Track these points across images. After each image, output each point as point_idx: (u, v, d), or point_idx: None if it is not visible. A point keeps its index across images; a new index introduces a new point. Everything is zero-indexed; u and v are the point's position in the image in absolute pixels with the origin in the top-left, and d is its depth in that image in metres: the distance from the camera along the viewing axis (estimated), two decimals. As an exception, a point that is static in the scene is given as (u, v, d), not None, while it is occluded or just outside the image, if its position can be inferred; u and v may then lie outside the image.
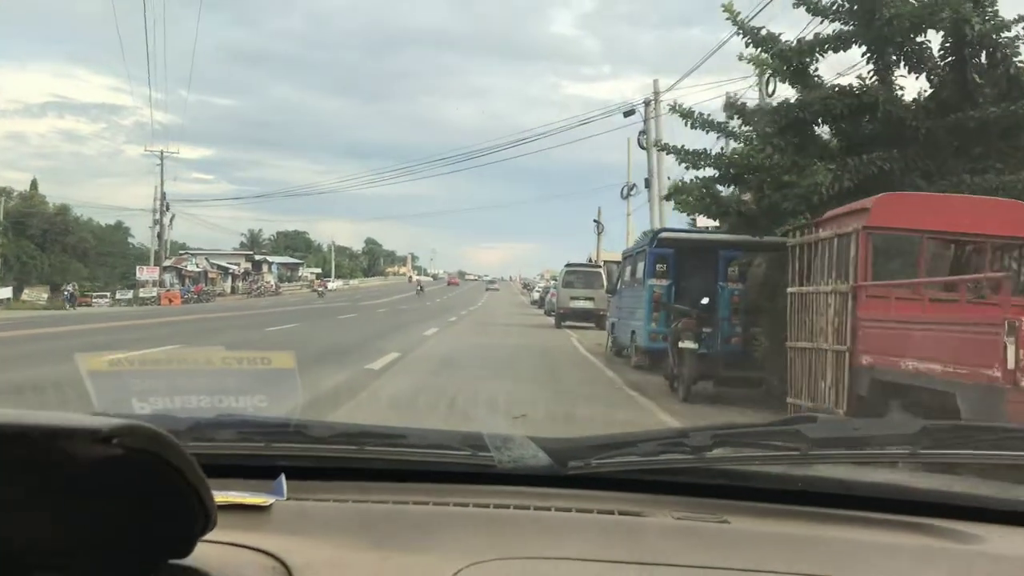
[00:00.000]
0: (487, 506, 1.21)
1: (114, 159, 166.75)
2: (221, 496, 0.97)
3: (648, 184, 25.63)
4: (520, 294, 78.49)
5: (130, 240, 64.45)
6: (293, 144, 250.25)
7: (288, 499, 1.18)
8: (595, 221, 47.49)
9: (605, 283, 22.98)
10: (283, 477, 1.23)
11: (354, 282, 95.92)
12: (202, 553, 0.85)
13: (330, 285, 73.52)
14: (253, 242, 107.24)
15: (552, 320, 29.76)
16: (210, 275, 63.14)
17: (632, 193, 41.73)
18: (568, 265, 29.61)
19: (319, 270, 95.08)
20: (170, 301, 47.87)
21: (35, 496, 0.73)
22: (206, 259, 65.77)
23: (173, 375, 1.77)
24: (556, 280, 52.03)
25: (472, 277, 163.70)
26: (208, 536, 0.82)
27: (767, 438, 1.33)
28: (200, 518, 0.77)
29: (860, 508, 1.22)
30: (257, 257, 77.57)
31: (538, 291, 51.14)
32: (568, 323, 27.06)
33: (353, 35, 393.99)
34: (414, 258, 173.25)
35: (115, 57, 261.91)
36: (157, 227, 53.87)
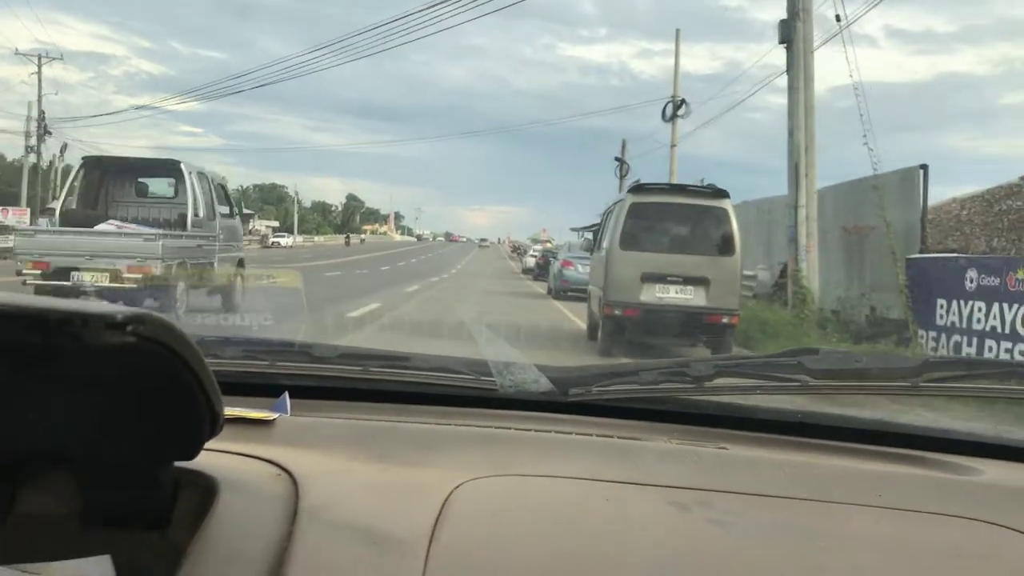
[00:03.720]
0: (488, 427, 1.22)
1: (102, 109, 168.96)
2: (226, 410, 0.94)
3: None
4: (508, 258, 66.72)
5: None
6: (284, 99, 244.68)
7: (291, 416, 1.19)
8: (617, 159, 34.09)
9: (736, 242, 9.94)
10: (287, 395, 1.24)
11: (318, 239, 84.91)
12: (208, 459, 0.86)
13: (284, 241, 64.52)
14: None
15: (563, 310, 17.33)
16: None
17: (682, 113, 28.63)
18: (639, 189, 10.40)
19: (276, 223, 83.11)
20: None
21: (47, 386, 0.72)
22: None
23: (178, 291, 0.92)
24: (553, 247, 39.14)
25: (461, 239, 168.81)
26: (214, 445, 0.83)
27: (769, 369, 1.33)
28: (207, 420, 0.76)
29: (857, 441, 1.23)
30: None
31: (533, 256, 37.82)
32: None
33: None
34: (399, 217, 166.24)
35: (103, 5, 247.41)
36: (32, 155, 40.24)
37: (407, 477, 0.99)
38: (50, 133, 41.99)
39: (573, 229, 54.21)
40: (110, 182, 11.98)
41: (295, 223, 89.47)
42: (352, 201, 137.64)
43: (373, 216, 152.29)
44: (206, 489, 0.86)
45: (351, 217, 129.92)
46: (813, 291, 12.38)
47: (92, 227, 10.36)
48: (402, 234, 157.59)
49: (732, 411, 1.30)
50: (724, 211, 9.77)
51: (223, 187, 12.81)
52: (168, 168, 11.83)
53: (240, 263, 12.38)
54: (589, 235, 18.37)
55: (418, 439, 1.15)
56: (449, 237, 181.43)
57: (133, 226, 10.57)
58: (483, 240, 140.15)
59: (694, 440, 1.20)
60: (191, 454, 0.81)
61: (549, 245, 46.82)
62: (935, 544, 0.91)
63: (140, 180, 12.28)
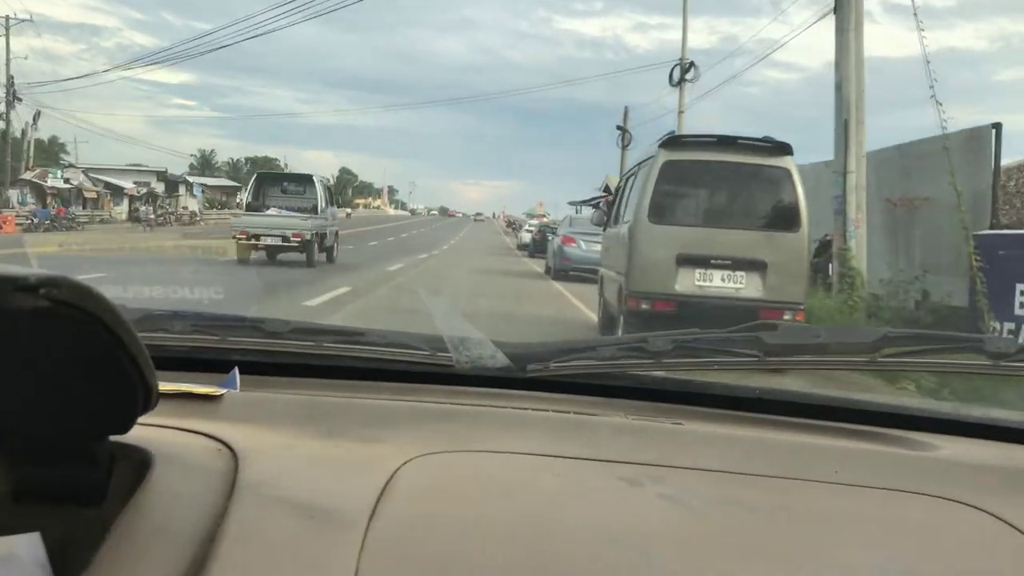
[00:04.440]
0: (442, 403, 1.20)
1: (93, 80, 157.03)
2: (171, 385, 0.97)
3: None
4: (503, 233, 64.65)
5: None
6: (277, 72, 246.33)
7: (240, 391, 1.17)
8: (619, 128, 32.12)
9: (803, 213, 7.42)
10: (236, 370, 1.22)
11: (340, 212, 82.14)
12: (146, 434, 0.85)
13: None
14: (204, 164, 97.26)
15: (562, 289, 15.54)
16: (86, 193, 46.86)
17: (690, 78, 26.68)
18: (674, 142, 7.93)
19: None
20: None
21: None
22: (84, 173, 49.12)
23: (125, 263, 0.95)
24: (551, 222, 37.26)
25: (457, 214, 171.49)
26: (154, 420, 0.82)
27: (727, 344, 1.30)
28: (140, 393, 0.73)
29: (815, 417, 1.23)
30: (171, 176, 61.01)
31: (529, 231, 35.94)
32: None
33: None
34: (392, 191, 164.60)
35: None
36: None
37: (355, 453, 0.97)
38: (20, 99, 39.84)
39: (571, 203, 52.29)
40: (267, 186, 19.69)
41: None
42: (345, 174, 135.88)
43: (367, 190, 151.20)
44: (141, 463, 0.84)
45: (343, 191, 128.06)
46: (863, 273, 10.44)
47: (263, 212, 17.84)
48: (396, 208, 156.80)
49: (689, 387, 1.30)
50: (786, 172, 7.35)
51: (329, 188, 20.53)
52: (303, 178, 19.83)
53: (336, 234, 19.34)
54: (590, 209, 16.53)
55: (371, 415, 1.13)
56: (445, 212, 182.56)
57: (285, 211, 17.64)
58: (478, 214, 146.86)
59: (651, 416, 1.19)
60: (124, 428, 0.78)
61: (546, 220, 44.98)
62: (892, 520, 0.90)
63: (285, 184, 19.82)
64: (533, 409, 1.19)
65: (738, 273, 7.24)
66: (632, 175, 8.54)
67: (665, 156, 7.43)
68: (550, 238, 22.53)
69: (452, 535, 0.78)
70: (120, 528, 0.72)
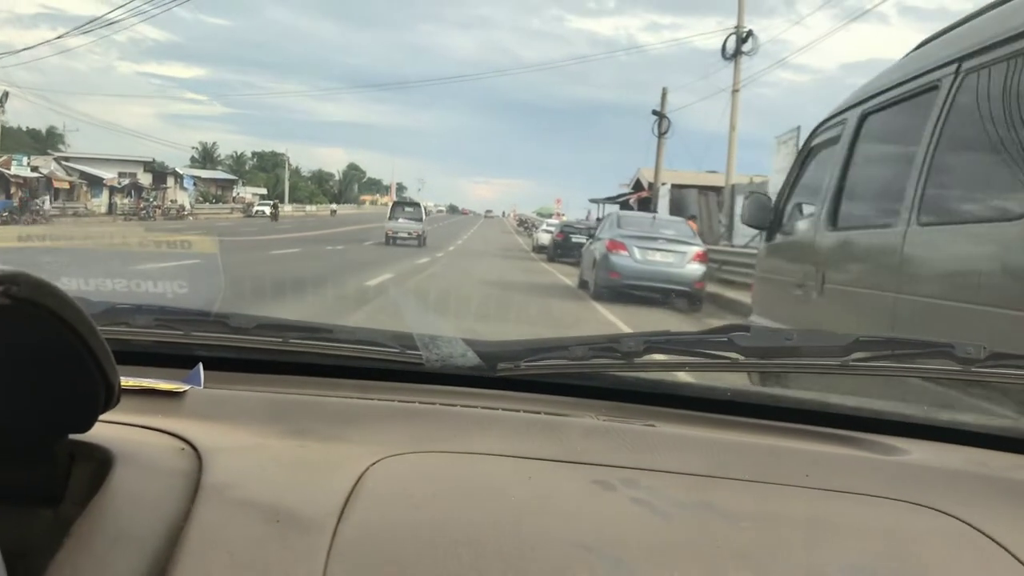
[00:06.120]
0: (412, 403, 1.16)
1: (107, 75, 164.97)
2: (133, 381, 0.94)
3: None
4: (515, 233, 60.09)
5: None
6: (288, 68, 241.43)
7: (205, 388, 1.13)
8: (655, 113, 27.41)
9: None
10: (200, 366, 1.18)
11: (311, 208, 78.67)
12: (106, 432, 0.83)
13: (268, 210, 57.88)
14: (206, 157, 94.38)
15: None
16: (56, 183, 41.90)
17: (747, 49, 22.19)
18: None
19: (263, 190, 77.13)
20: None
21: None
22: (56, 161, 44.39)
23: (86, 255, 1.62)
24: (586, 221, 33.03)
25: (469, 213, 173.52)
26: (114, 417, 0.81)
27: (699, 346, 1.28)
28: (101, 391, 0.72)
29: (787, 420, 1.22)
30: (159, 167, 56.50)
31: (547, 231, 31.40)
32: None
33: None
34: (401, 188, 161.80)
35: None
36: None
37: (322, 453, 0.95)
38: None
39: (593, 200, 47.96)
40: (397, 208, 32.40)
41: (286, 190, 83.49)
42: (352, 170, 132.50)
43: (375, 186, 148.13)
44: (101, 463, 0.82)
45: (349, 186, 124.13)
46: None
47: (395, 219, 30.56)
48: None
49: (661, 388, 1.27)
50: None
51: (424, 207, 33.68)
52: (415, 203, 34.31)
53: (424, 232, 30.45)
54: (615, 207, 11.92)
55: (338, 414, 1.09)
56: (455, 209, 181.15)
57: (403, 220, 30.29)
58: (489, 212, 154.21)
59: (622, 417, 1.17)
60: (85, 426, 0.77)
61: (563, 218, 40.52)
62: (863, 524, 0.90)
63: (405, 207, 32.48)
64: (504, 409, 1.16)
65: None
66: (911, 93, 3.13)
67: None
68: (586, 242, 17.10)
69: (422, 539, 0.76)
70: (79, 531, 0.70)
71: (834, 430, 1.17)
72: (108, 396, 0.72)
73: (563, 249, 24.91)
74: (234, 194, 70.51)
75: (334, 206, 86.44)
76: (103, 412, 0.74)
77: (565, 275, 18.72)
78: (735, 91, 21.99)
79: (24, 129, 65.25)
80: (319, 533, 0.72)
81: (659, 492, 0.90)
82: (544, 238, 30.20)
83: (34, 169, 40.94)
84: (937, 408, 1.29)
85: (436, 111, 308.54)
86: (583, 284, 14.83)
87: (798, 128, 17.95)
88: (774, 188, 19.75)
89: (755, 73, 22.73)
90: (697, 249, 13.10)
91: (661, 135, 26.97)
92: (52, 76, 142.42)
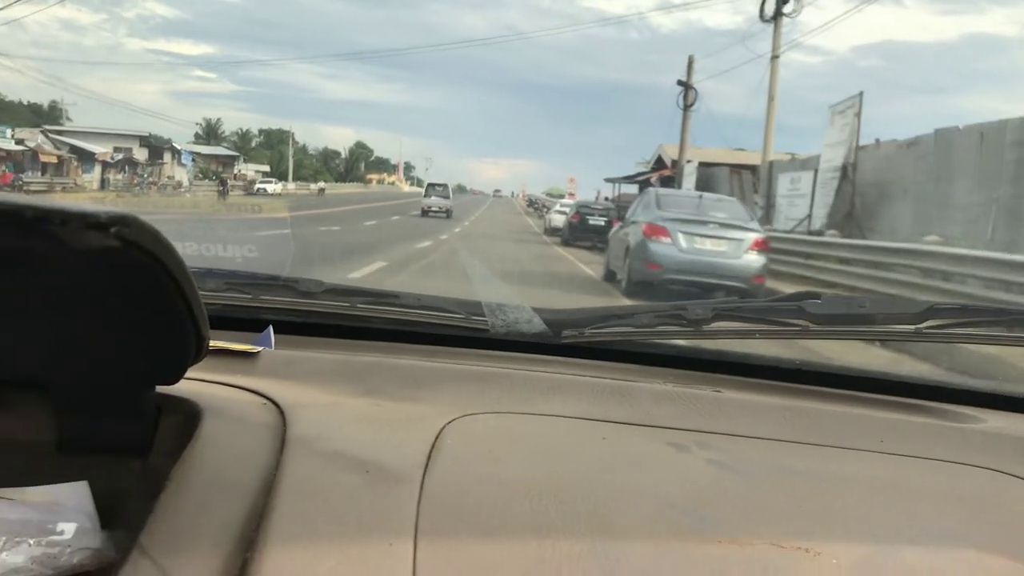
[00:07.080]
0: (479, 367, 1.18)
1: (115, 52, 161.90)
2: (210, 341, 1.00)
3: None
4: (524, 214, 57.63)
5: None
6: (297, 45, 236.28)
7: (276, 350, 1.16)
8: (680, 83, 24.97)
9: None
10: (271, 328, 1.20)
11: (314, 187, 76.44)
12: (190, 387, 0.85)
13: (270, 188, 56.74)
14: (209, 133, 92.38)
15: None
16: (43, 157, 39.69)
17: (789, 11, 19.94)
18: None
19: (266, 167, 74.94)
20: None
21: (20, 294, 0.68)
22: (43, 133, 42.01)
23: (158, 220, 1.49)
24: (611, 201, 30.94)
25: (479, 193, 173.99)
26: (196, 374, 0.83)
27: (769, 313, 1.27)
28: (192, 343, 0.73)
29: (855, 388, 1.22)
30: (155, 141, 54.18)
31: (561, 211, 29.15)
32: None
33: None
34: (408, 167, 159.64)
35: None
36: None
37: (397, 411, 0.97)
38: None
39: (608, 180, 45.57)
40: (431, 188, 39.47)
41: (290, 168, 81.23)
42: (359, 148, 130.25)
43: (383, 165, 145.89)
44: (188, 416, 0.84)
45: (355, 165, 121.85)
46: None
47: (429, 197, 37.88)
48: (411, 185, 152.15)
49: (728, 356, 1.27)
50: None
51: (446, 184, 39.93)
52: (443, 185, 39.30)
53: (451, 207, 37.30)
54: (634, 186, 9.82)
55: (407, 376, 1.10)
56: (465, 190, 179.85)
57: (436, 197, 37.45)
58: (497, 191, 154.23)
59: (689, 383, 1.17)
60: (174, 378, 0.79)
61: (575, 198, 38.23)
62: (938, 490, 0.90)
63: (436, 187, 38.81)
64: (570, 375, 1.15)
65: None
66: None
67: None
68: (618, 228, 13.28)
69: (507, 492, 0.76)
70: (176, 479, 0.72)
71: (904, 399, 1.18)
72: (198, 349, 0.73)
73: (579, 232, 22.74)
74: (236, 171, 68.28)
75: (322, 184, 79.30)
76: (192, 364, 0.75)
77: (585, 263, 16.43)
78: (775, 57, 19.71)
79: (25, 103, 63.36)
80: (408, 484, 0.74)
81: (734, 454, 0.90)
82: (558, 220, 27.92)
83: (19, 142, 38.83)
84: (1011, 379, 0.86)
85: (444, 90, 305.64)
86: (609, 276, 12.41)
87: (860, 94, 15.65)
88: (826, 164, 17.63)
89: (786, 43, 20.39)
90: (756, 236, 10.48)
91: (687, 107, 24.65)
92: (60, 51, 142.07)
